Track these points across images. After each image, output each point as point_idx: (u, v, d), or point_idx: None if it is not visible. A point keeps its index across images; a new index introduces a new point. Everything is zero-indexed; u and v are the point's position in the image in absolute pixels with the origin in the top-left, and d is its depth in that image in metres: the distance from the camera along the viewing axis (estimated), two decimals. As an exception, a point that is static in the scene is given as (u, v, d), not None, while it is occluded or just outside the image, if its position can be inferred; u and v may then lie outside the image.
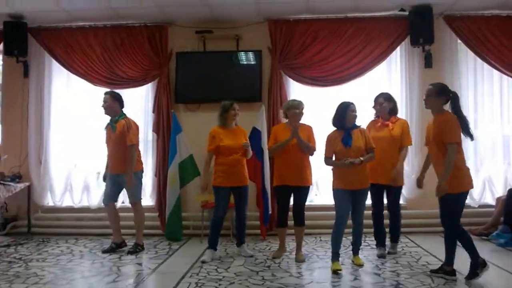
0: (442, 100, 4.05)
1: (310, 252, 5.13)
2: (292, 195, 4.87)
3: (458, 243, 4.04)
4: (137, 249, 5.26)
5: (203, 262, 4.76)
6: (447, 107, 4.11)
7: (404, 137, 4.82)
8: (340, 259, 4.49)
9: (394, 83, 6.17)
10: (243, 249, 5.05)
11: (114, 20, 6.22)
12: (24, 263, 4.83)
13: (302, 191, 4.85)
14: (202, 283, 4.07)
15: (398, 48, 6.10)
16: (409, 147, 4.95)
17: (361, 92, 5.99)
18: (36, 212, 6.38)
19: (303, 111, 4.87)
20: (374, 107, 4.99)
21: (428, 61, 6.04)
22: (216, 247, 4.97)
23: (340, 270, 4.33)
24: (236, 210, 5.03)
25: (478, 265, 3.91)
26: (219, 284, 4.02)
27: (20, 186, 6.06)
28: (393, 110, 4.94)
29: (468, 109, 6.07)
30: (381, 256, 4.82)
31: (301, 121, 4.90)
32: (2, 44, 6.27)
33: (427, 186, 4.39)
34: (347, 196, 4.41)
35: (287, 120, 4.96)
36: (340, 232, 4.46)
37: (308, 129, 4.90)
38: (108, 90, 5.73)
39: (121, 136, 5.18)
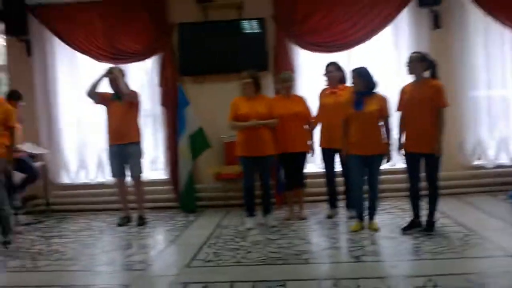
0: (424, 66, 4.31)
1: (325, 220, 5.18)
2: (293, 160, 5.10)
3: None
4: (144, 221, 5.44)
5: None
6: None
7: None
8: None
9: (401, 46, 6.06)
10: (267, 219, 5.07)
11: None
12: (46, 240, 4.94)
13: (300, 156, 5.13)
14: (220, 252, 4.15)
15: (405, 9, 5.95)
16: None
17: (368, 57, 5.93)
18: (54, 190, 6.43)
19: (291, 83, 5.20)
20: (324, 75, 5.20)
21: (436, 22, 5.90)
22: (254, 213, 5.06)
23: (355, 231, 4.52)
24: (260, 180, 5.06)
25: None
26: (237, 253, 4.10)
27: (36, 165, 6.08)
28: (342, 80, 5.18)
29: (479, 70, 6.02)
30: (329, 217, 5.20)
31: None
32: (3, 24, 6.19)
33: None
34: (361, 161, 4.51)
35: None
36: (356, 196, 4.63)
37: (301, 100, 5.22)
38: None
39: (130, 105, 5.32)
